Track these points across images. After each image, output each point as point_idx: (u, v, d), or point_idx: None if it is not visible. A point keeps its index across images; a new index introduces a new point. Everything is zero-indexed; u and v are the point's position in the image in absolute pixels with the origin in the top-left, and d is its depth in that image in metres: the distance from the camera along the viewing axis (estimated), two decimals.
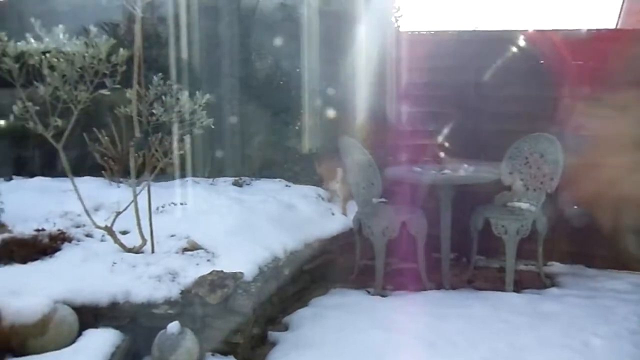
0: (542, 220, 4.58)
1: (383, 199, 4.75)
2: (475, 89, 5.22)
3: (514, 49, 5.10)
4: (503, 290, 4.49)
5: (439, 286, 4.58)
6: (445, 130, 5.21)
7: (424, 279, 4.57)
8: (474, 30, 5.59)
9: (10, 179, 5.01)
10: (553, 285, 4.64)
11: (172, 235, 3.80)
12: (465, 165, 4.80)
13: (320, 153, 5.32)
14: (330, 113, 5.12)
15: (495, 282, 4.69)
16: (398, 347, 3.47)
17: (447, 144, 5.23)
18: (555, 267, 5.06)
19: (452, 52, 5.25)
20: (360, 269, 4.78)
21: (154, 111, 3.53)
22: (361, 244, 4.70)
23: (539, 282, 4.65)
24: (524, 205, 4.70)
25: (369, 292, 4.47)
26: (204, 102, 3.58)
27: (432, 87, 5.33)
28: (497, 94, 5.18)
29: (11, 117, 3.13)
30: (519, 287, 4.54)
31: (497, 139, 4.97)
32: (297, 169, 5.32)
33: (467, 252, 5.01)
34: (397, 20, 5.55)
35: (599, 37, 5.05)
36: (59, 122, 3.28)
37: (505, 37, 5.16)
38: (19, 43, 3.10)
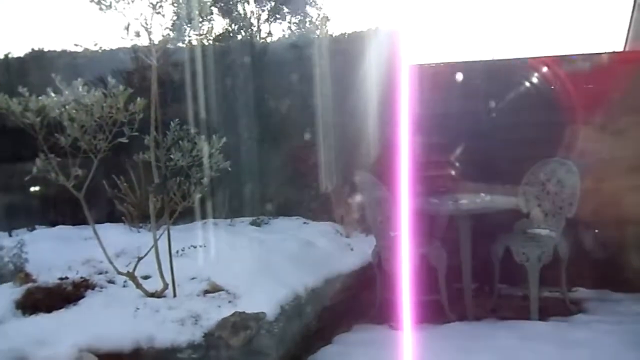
0: (564, 245, 4.54)
1: (399, 232, 4.73)
2: (486, 118, 5.24)
3: (524, 76, 5.14)
4: (528, 318, 4.41)
5: (463, 317, 4.52)
6: (459, 160, 5.22)
7: (447, 311, 4.52)
8: (483, 60, 5.64)
9: (33, 229, 5.11)
10: (579, 311, 4.56)
11: (193, 278, 3.82)
12: (482, 194, 4.80)
13: (335, 189, 5.35)
14: (345, 149, 5.18)
15: (519, 311, 4.61)
16: None
17: (461, 174, 5.23)
18: (581, 292, 4.98)
19: (462, 82, 5.30)
20: (382, 303, 4.73)
21: (171, 156, 3.60)
22: (382, 278, 4.68)
23: (564, 309, 4.57)
24: (543, 231, 4.67)
25: (391, 327, 4.42)
26: (220, 146, 3.65)
27: (443, 117, 5.35)
28: (508, 121, 5.20)
29: (34, 170, 3.20)
30: (544, 315, 4.46)
31: (511, 166, 4.97)
32: (314, 205, 5.35)
33: (489, 281, 4.95)
34: (406, 54, 5.62)
35: (608, 61, 5.08)
36: (79, 171, 3.34)
37: (514, 65, 5.21)
38: (40, 97, 3.19)
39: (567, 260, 4.57)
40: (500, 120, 5.22)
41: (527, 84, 5.15)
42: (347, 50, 5.35)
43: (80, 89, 3.25)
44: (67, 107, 3.25)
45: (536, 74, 5.13)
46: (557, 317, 4.44)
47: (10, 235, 4.91)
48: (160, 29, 3.79)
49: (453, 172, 5.26)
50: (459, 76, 5.34)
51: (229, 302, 3.54)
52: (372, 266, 4.71)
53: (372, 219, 4.59)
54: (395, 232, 4.57)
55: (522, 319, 4.41)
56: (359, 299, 4.74)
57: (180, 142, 3.62)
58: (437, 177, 5.27)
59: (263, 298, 3.58)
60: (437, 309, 4.53)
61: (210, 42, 5.65)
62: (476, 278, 4.79)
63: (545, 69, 5.12)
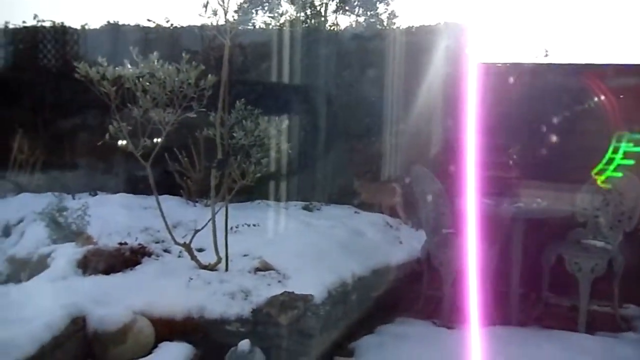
0: (619, 259, 4.41)
1: (453, 230, 4.72)
2: (548, 122, 5.13)
3: (590, 83, 5.01)
4: (575, 330, 4.31)
5: (506, 322, 4.46)
6: (518, 163, 5.14)
7: (492, 314, 4.48)
8: (548, 64, 5.52)
9: (96, 194, 5.32)
10: (629, 329, 4.43)
11: (245, 255, 3.91)
12: (538, 199, 4.71)
13: (390, 181, 5.36)
14: (404, 142, 5.17)
15: (566, 322, 4.51)
16: None
17: (519, 177, 5.15)
18: (632, 309, 4.83)
19: (527, 83, 5.21)
20: (427, 299, 4.72)
21: (234, 134, 3.69)
22: (429, 274, 4.67)
23: (613, 325, 4.45)
24: (599, 243, 4.56)
25: (435, 323, 4.42)
26: (281, 127, 3.71)
27: (506, 118, 5.27)
28: (570, 127, 5.08)
29: (107, 136, 3.34)
30: (592, 329, 4.35)
31: (569, 174, 4.86)
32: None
33: (536, 288, 4.87)
34: (471, 52, 5.56)
35: None
36: (148, 142, 3.47)
37: (581, 70, 5.08)
38: (116, 68, 3.32)
39: (620, 275, 4.44)
40: (562, 126, 5.10)
41: (592, 91, 5.00)
42: (414, 43, 5.32)
43: (155, 63, 3.35)
44: (141, 79, 3.37)
45: (605, 81, 4.98)
46: (605, 332, 4.33)
47: (73, 198, 5.13)
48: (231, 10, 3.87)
49: (511, 175, 5.18)
50: (523, 78, 5.25)
51: (279, 281, 3.61)
52: (420, 261, 4.70)
53: (425, 214, 4.57)
54: (447, 229, 4.56)
55: (568, 330, 4.32)
56: (403, 293, 4.75)
57: (243, 121, 3.71)
58: (494, 178, 5.19)
59: (311, 281, 3.64)
60: (482, 311, 4.49)
61: (278, 26, 5.72)
62: (524, 283, 4.71)
63: (615, 77, 4.97)
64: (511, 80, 5.26)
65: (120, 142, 3.47)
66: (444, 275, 4.42)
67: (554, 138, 5.11)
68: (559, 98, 5.08)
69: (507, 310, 4.50)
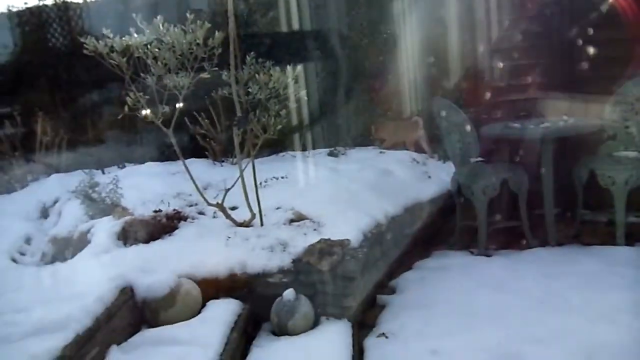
0: None
1: (481, 158, 4.68)
2: (569, 34, 4.95)
3: None
4: (614, 244, 4.29)
5: (544, 243, 4.46)
6: (542, 82, 5.01)
7: (528, 237, 4.49)
8: None
9: (124, 166, 5.39)
10: None
11: (278, 208, 3.95)
12: (565, 116, 4.62)
13: (412, 116, 5.29)
14: (423, 75, 5.07)
15: (604, 237, 4.49)
16: (508, 306, 3.44)
17: (543, 96, 5.03)
18: None
19: None
20: (462, 230, 4.74)
21: (249, 90, 3.67)
22: (461, 205, 4.66)
23: None
24: (631, 153, 4.47)
25: (472, 253, 4.45)
26: (295, 75, 3.66)
27: (523, 36, 5.11)
28: (592, 37, 4.88)
29: (126, 108, 3.35)
30: (631, 241, 4.32)
31: (597, 86, 4.72)
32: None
33: (571, 206, 4.82)
34: None
35: None
36: (167, 108, 3.47)
37: None
38: (123, 38, 3.29)
39: None
40: (584, 36, 4.91)
41: None
42: None
43: (161, 27, 3.31)
44: (149, 46, 3.34)
45: None
46: None
47: (103, 173, 5.21)
48: None
49: (535, 95, 5.06)
50: None
51: (314, 230, 3.66)
52: (451, 194, 4.70)
53: (451, 145, 4.53)
54: (475, 158, 4.52)
55: (608, 245, 4.30)
56: (438, 226, 4.78)
57: (256, 75, 3.67)
58: (517, 101, 5.10)
59: (346, 226, 3.68)
60: (518, 235, 4.50)
61: None
62: (558, 204, 4.67)
63: None
64: None
65: (142, 112, 3.46)
66: (476, 205, 4.42)
67: (576, 50, 4.94)
68: (579, 6, 4.87)
69: (544, 231, 4.50)
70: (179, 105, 3.51)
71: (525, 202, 4.48)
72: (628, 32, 4.74)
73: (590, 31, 4.86)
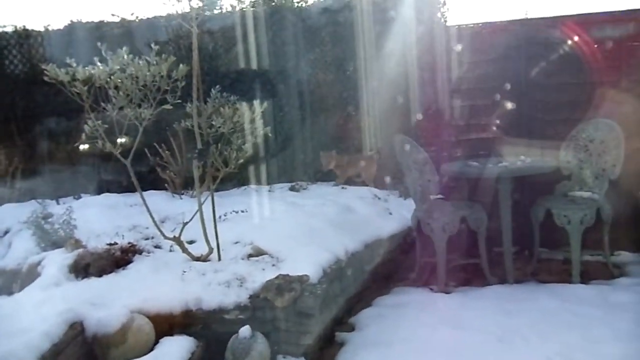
0: (606, 208, 4.45)
1: (441, 196, 4.73)
2: (525, 79, 5.12)
3: (563, 36, 4.99)
4: (570, 282, 4.38)
5: (503, 280, 4.52)
6: (500, 122, 5.14)
7: (487, 274, 4.53)
8: (522, 19, 5.49)
9: (80, 197, 5.26)
10: (622, 275, 4.51)
11: (237, 242, 3.90)
12: (522, 157, 4.74)
13: (374, 153, 5.34)
14: (384, 113, 5.15)
15: (560, 274, 4.59)
16: (467, 343, 3.45)
17: (502, 136, 5.16)
18: (623, 256, 4.91)
19: (501, 42, 5.17)
20: (422, 266, 4.75)
21: (213, 123, 3.65)
22: (421, 242, 4.69)
23: (607, 273, 4.52)
24: (585, 194, 4.61)
25: (432, 290, 4.46)
26: (261, 111, 3.68)
27: (482, 79, 5.26)
28: (548, 82, 5.08)
29: (83, 137, 3.28)
30: (586, 279, 4.42)
31: (553, 128, 4.89)
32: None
33: (529, 244, 4.92)
34: (444, 15, 5.53)
35: None
36: (126, 139, 3.41)
37: (554, 24, 5.05)
38: (86, 67, 3.25)
39: (609, 224, 4.49)
40: (540, 81, 5.09)
41: (568, 43, 4.98)
42: (383, 10, 5.26)
43: (125, 57, 3.29)
44: (112, 76, 3.30)
45: (576, 34, 4.96)
46: (599, 280, 4.40)
47: (58, 204, 5.06)
48: None
49: (493, 135, 5.19)
50: (497, 36, 5.22)
51: (273, 265, 3.61)
52: (412, 230, 4.72)
53: (412, 182, 4.58)
54: (435, 195, 4.57)
55: (564, 282, 4.38)
56: (398, 263, 4.78)
57: (221, 109, 3.66)
58: (476, 140, 5.21)
59: (305, 261, 3.64)
60: (477, 272, 4.54)
61: (245, 8, 5.62)
62: (516, 241, 4.76)
63: (588, 27, 4.95)
64: (485, 40, 5.23)
65: (81, 147, 3.40)
66: (436, 242, 4.45)
67: (533, 94, 5.11)
68: (536, 53, 5.06)
69: (503, 268, 4.55)
70: (138, 135, 3.45)
71: (484, 239, 4.53)
72: (582, 77, 4.95)
73: (547, 75, 5.05)
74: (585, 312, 3.78)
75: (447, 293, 4.37)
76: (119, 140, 3.41)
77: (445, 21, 5.58)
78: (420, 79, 5.17)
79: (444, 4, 5.57)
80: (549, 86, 5.08)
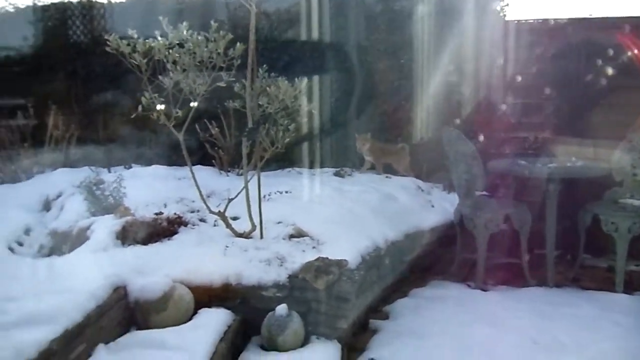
0: None
1: (486, 192, 4.68)
2: (582, 79, 4.99)
3: (624, 38, 4.83)
4: (612, 291, 4.29)
5: (542, 283, 4.44)
6: (552, 121, 5.03)
7: (527, 275, 4.47)
8: (582, 18, 5.33)
9: (130, 167, 5.41)
10: None
11: (279, 222, 3.94)
12: (573, 158, 4.63)
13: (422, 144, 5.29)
14: (436, 104, 5.10)
15: (603, 282, 4.48)
16: (502, 343, 3.42)
17: (552, 136, 5.05)
18: None
19: (560, 40, 5.06)
20: (461, 262, 4.72)
21: (259, 102, 3.69)
22: (462, 237, 4.65)
23: None
24: (637, 202, 4.47)
25: (469, 286, 4.43)
26: (305, 87, 3.67)
27: (537, 76, 5.16)
28: (605, 83, 4.93)
29: (139, 108, 3.37)
30: (629, 289, 4.32)
31: (607, 131, 4.75)
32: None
33: (572, 249, 4.81)
34: (503, 9, 5.42)
35: None
36: (180, 113, 3.49)
37: (615, 25, 4.90)
38: (147, 40, 3.32)
39: None
40: (597, 82, 4.95)
41: (628, 45, 4.83)
42: (442, 1, 5.19)
43: (185, 33, 3.35)
44: (171, 50, 3.37)
45: (637, 36, 4.79)
46: None
47: (109, 172, 5.22)
48: None
49: (544, 134, 5.08)
50: (556, 34, 5.10)
51: (313, 247, 3.64)
52: (454, 224, 4.69)
53: (457, 176, 4.53)
54: (480, 191, 4.52)
55: (606, 291, 4.28)
56: (437, 256, 4.76)
57: (267, 88, 3.69)
58: (527, 139, 5.11)
59: (345, 246, 3.66)
60: (517, 273, 4.48)
61: None
62: (560, 245, 4.66)
63: None
64: (545, 37, 5.11)
65: (157, 107, 3.46)
66: (477, 238, 4.41)
67: (588, 95, 4.98)
68: (594, 53, 4.92)
69: (543, 271, 4.48)
70: (194, 104, 3.51)
71: (526, 240, 4.47)
72: None
73: (606, 76, 4.90)
74: (626, 322, 3.69)
75: (484, 290, 4.34)
76: (173, 114, 3.48)
77: (505, 15, 5.47)
78: (475, 73, 5.09)
79: None
80: (606, 88, 4.93)
